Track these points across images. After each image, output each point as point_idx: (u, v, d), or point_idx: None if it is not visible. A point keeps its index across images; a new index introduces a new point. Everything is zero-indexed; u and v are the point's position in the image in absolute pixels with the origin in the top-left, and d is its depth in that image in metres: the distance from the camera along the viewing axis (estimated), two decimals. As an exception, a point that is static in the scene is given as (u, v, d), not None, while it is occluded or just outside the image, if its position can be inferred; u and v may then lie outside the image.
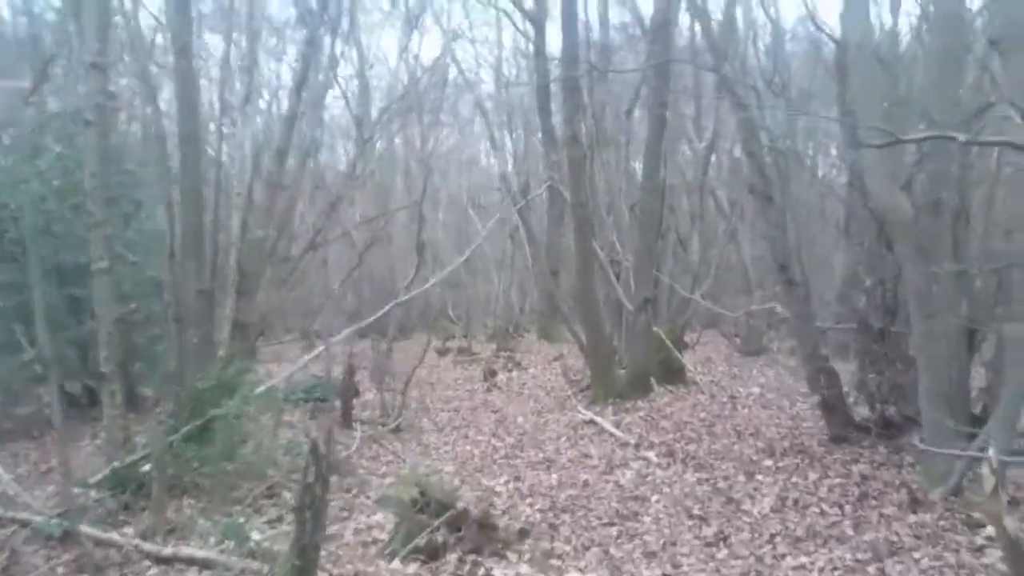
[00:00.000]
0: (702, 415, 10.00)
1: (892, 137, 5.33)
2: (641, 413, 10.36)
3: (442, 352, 19.68)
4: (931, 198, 6.20)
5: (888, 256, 7.35)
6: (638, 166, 15.21)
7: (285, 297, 18.48)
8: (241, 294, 13.92)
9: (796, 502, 6.41)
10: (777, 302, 10.88)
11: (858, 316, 7.80)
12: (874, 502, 6.20)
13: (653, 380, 11.22)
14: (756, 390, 11.36)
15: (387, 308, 9.86)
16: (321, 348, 10.48)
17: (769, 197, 7.67)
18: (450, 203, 28.24)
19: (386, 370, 14.26)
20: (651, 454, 8.32)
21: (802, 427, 8.92)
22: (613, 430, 9.55)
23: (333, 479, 7.48)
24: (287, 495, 6.93)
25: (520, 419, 10.92)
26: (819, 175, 11.24)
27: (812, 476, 7.02)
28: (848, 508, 6.13)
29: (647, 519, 6.46)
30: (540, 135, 15.58)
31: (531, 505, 6.95)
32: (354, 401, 12.13)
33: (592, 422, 10.20)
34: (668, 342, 11.44)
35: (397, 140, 25.09)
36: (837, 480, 6.83)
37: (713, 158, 13.25)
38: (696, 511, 6.49)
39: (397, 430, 9.87)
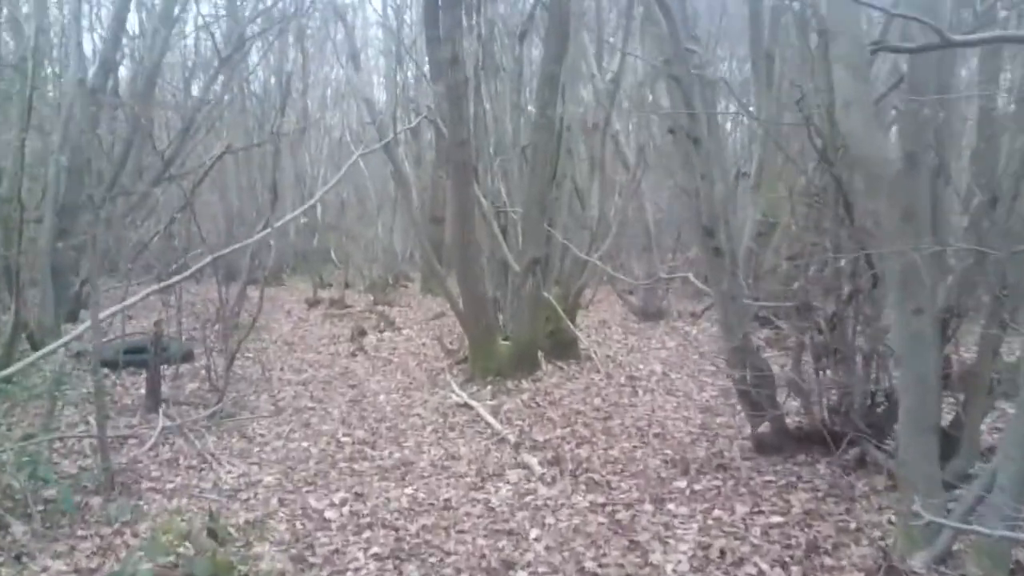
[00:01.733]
0: (597, 402, 8.19)
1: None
2: (525, 396, 8.49)
3: (312, 303, 17.40)
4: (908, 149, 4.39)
5: (846, 222, 5.60)
6: (533, 109, 13.21)
7: (130, 238, 15.84)
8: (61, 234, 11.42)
9: (723, 555, 4.61)
10: (688, 270, 9.13)
11: (797, 296, 6.06)
12: (828, 560, 4.47)
13: (541, 355, 9.36)
14: (658, 368, 9.64)
15: (219, 253, 7.57)
16: (143, 294, 8.06)
17: (696, 138, 5.76)
18: (338, 140, 25.56)
19: (230, 327, 12.00)
20: (534, 460, 6.44)
21: (717, 427, 7.20)
22: (490, 419, 7.65)
23: (96, 501, 5.37)
24: (19, 530, 4.74)
25: (382, 397, 8.90)
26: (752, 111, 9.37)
27: (740, 509, 5.25)
28: (795, 570, 4.39)
29: (522, 574, 4.58)
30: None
31: (367, 546, 4.97)
32: (184, 368, 9.92)
33: (467, 406, 8.29)
34: (560, 310, 9.56)
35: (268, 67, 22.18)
36: (775, 519, 5.07)
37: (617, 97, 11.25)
38: (589, 561, 4.65)
39: (219, 415, 7.67)
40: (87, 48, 15.25)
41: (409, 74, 20.50)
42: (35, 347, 10.39)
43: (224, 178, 21.92)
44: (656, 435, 6.99)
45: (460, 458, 6.70)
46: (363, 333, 13.02)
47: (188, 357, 10.25)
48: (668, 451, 6.55)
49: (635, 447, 6.69)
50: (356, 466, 6.53)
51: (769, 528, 4.97)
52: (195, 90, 16.75)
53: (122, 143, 15.29)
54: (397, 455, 6.81)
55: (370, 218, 21.62)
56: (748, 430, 6.59)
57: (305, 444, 7.05)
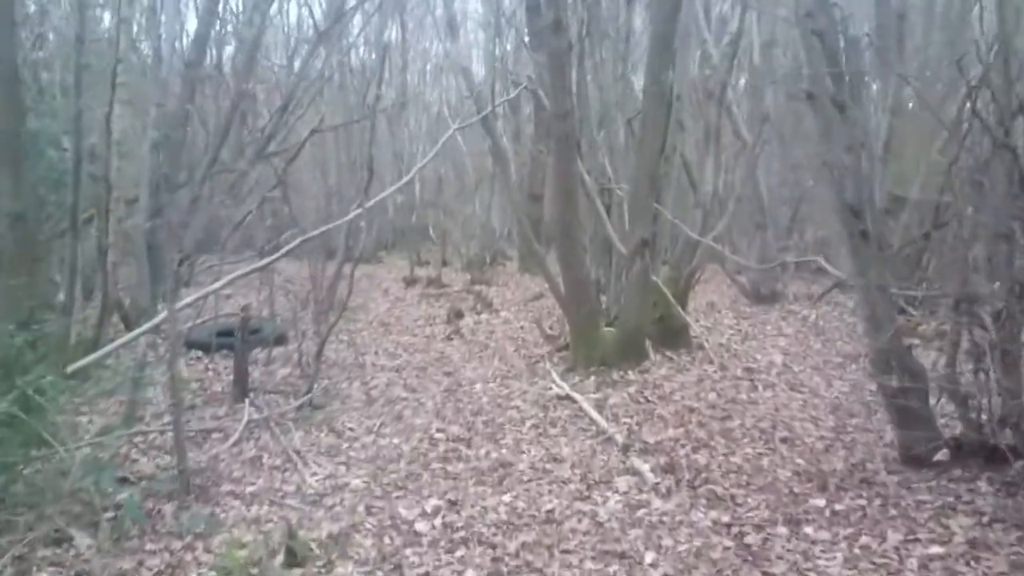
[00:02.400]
0: (712, 398, 7.41)
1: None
2: (632, 389, 7.77)
3: (410, 282, 17.04)
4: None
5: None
6: (638, 79, 12.31)
7: (228, 217, 15.75)
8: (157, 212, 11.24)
9: (879, 598, 3.85)
10: (810, 252, 8.21)
11: (963, 285, 5.14)
12: (1009, 609, 3.65)
13: (648, 344, 8.61)
14: (778, 359, 8.75)
15: (310, 234, 7.05)
16: (231, 277, 7.63)
17: (842, 104, 4.90)
18: (439, 115, 25.09)
19: (325, 307, 11.65)
20: (645, 467, 5.74)
21: (852, 430, 6.35)
22: (595, 415, 6.98)
23: (169, 508, 4.94)
24: (84, 542, 4.33)
25: (478, 387, 8.33)
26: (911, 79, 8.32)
27: (892, 536, 4.44)
28: (972, 623, 3.59)
29: (640, 611, 3.92)
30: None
31: (462, 568, 4.39)
32: (277, 352, 9.59)
33: (569, 398, 7.64)
34: (669, 295, 8.77)
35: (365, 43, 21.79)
36: (934, 549, 4.25)
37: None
38: (717, 598, 3.95)
39: (308, 406, 7.22)
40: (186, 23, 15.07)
41: (508, 45, 19.76)
42: (129, 329, 10.26)
43: (324, 155, 21.84)
44: (783, 440, 6.18)
45: (563, 460, 6.06)
46: (460, 315, 12.51)
47: (281, 340, 9.91)
48: (799, 460, 5.74)
49: (760, 453, 5.91)
50: (450, 467, 5.96)
51: (928, 561, 4.16)
52: (295, 66, 16.52)
53: (222, 120, 15.21)
54: (494, 455, 6.22)
55: (468, 195, 21.08)
56: (890, 435, 5.75)
57: (397, 440, 6.52)
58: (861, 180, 5.02)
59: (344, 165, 21.14)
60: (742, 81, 13.42)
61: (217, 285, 6.85)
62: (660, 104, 8.09)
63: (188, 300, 6.86)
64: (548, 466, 5.99)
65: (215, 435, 6.37)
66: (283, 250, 6.61)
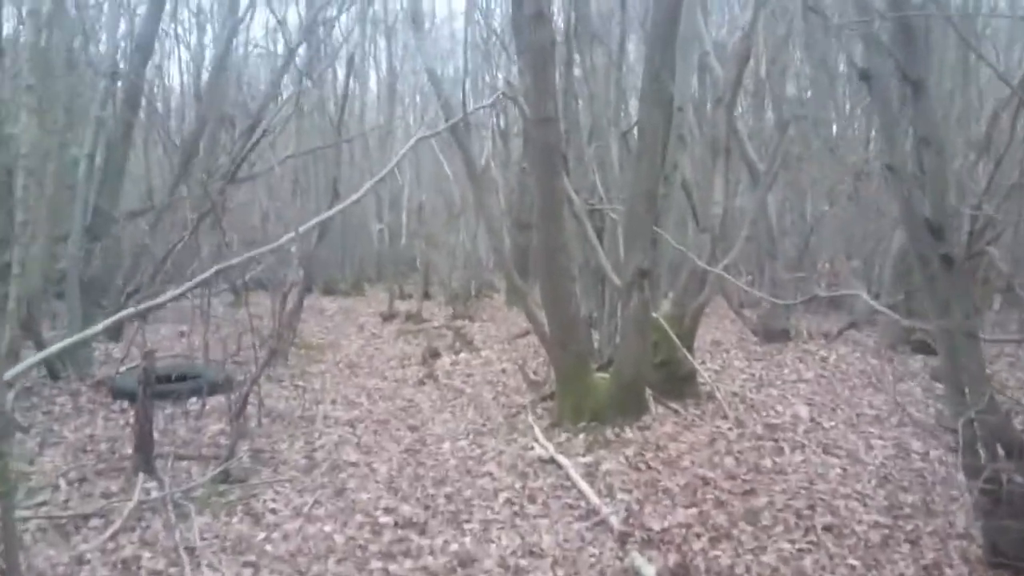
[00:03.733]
0: (729, 464, 5.95)
1: None
2: (630, 451, 6.31)
3: (387, 317, 15.59)
4: None
5: None
6: (633, 90, 10.98)
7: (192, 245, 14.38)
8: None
9: None
10: (835, 284, 6.84)
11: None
12: None
13: (649, 394, 7.17)
14: (803, 411, 7.30)
15: (223, 265, 5.55)
16: (122, 315, 6.08)
17: (917, 81, 3.52)
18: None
19: (279, 345, 10.21)
20: (651, 569, 4.29)
21: (910, 511, 4.91)
22: (584, 487, 5.54)
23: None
24: None
25: (446, 446, 6.87)
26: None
27: None
28: None
29: None
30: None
31: None
32: (211, 404, 8.10)
33: (553, 462, 6.19)
34: (672, 335, 7.34)
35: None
36: None
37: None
38: None
39: (225, 479, 5.71)
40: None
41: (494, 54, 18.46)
42: (52, 374, 8.80)
43: (306, 180, 20.55)
44: (827, 528, 4.72)
45: (543, 555, 4.62)
46: (435, 355, 11.08)
47: (224, 387, 8.42)
48: (853, 560, 4.29)
49: (800, 550, 4.45)
50: (394, 567, 4.49)
51: None
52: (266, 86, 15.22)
53: (185, 142, 13.88)
54: (454, 546, 4.75)
55: (453, 223, 19.69)
56: (963, 520, 4.33)
57: (330, 528, 5.02)
58: (941, 187, 3.62)
59: (324, 190, 19.80)
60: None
61: (108, 321, 5.36)
62: (660, 109, 6.73)
63: (95, 330, 5.32)
64: (523, 562, 4.54)
65: (94, 522, 4.88)
66: (193, 281, 5.18)
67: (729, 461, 6.03)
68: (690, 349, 7.70)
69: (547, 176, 6.83)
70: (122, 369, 8.87)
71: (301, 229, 5.52)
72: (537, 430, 6.95)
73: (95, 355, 9.82)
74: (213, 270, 5.11)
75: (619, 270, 7.61)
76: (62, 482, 5.43)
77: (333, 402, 8.57)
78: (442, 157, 19.49)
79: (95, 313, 10.06)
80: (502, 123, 22.21)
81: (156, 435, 6.77)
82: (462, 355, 11.22)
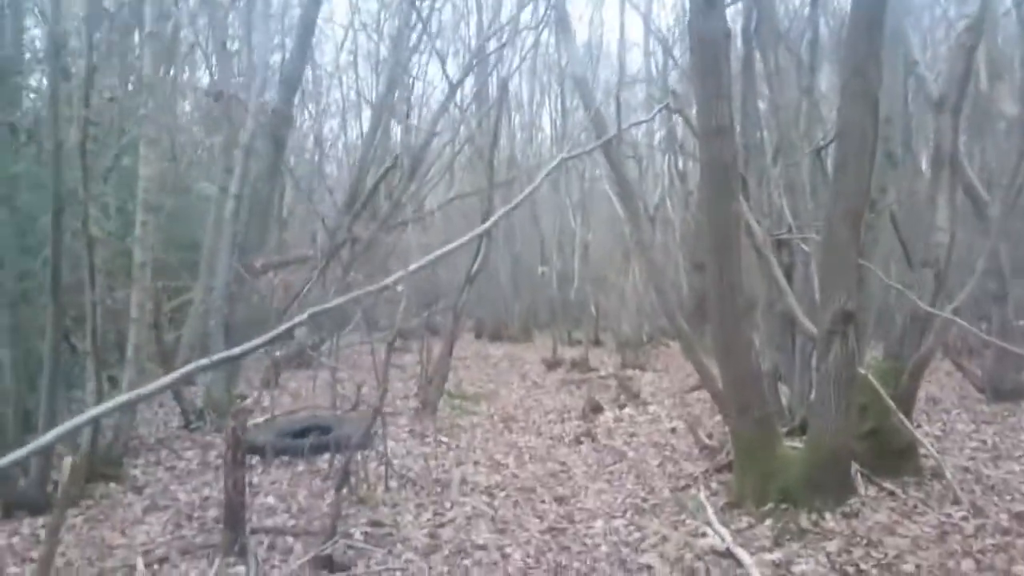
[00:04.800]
0: (968, 568, 4.36)
1: None
2: (833, 547, 4.82)
3: (551, 365, 14.57)
4: None
5: None
6: (828, 99, 9.38)
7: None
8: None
9: None
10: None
11: None
12: None
13: (856, 469, 5.63)
14: (1066, 499, 5.51)
15: (317, 308, 4.63)
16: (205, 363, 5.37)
17: None
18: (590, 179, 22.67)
19: (426, 396, 9.36)
20: None
21: None
22: (770, 601, 4.15)
23: None
24: None
25: (598, 525, 5.64)
26: None
27: None
28: None
29: None
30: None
31: None
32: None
33: (730, 555, 4.83)
34: (884, 395, 5.75)
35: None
36: None
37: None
38: None
39: (327, 564, 4.73)
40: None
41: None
42: (187, 423, 8.36)
43: (468, 224, 20.08)
44: None
45: None
46: (597, 409, 9.87)
47: (362, 443, 7.59)
48: None
49: None
50: None
51: None
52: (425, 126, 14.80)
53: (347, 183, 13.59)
54: None
55: (624, 264, 18.46)
56: None
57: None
58: None
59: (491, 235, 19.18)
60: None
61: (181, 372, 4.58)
62: (866, 110, 5.29)
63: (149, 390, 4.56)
64: None
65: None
66: (280, 328, 4.34)
67: (968, 565, 4.43)
68: (908, 414, 6.05)
69: (720, 199, 5.55)
70: (259, 420, 8.31)
71: (411, 268, 4.56)
72: (711, 511, 5.58)
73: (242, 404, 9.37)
74: (306, 314, 4.22)
75: (813, 314, 6.16)
76: (140, 562, 4.65)
77: (476, 463, 7.54)
78: (613, 195, 18.38)
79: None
80: (679, 163, 20.97)
81: (271, 500, 6.06)
82: (627, 410, 9.95)
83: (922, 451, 6.08)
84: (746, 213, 6.02)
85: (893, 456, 5.88)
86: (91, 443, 5.87)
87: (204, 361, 4.11)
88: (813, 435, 5.49)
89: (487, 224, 5.39)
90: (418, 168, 13.27)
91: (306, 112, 17.18)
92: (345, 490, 6.04)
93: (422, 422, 8.94)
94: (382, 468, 6.62)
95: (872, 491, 5.67)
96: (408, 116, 15.19)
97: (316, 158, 15.20)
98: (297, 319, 4.48)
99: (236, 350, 4.16)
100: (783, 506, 5.42)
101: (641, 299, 17.04)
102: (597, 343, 17.75)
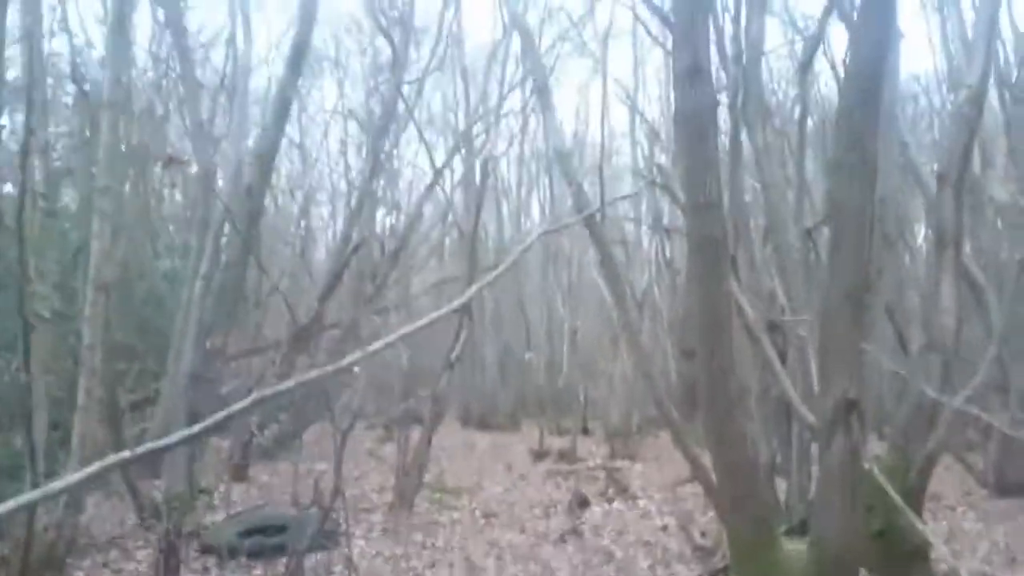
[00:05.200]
0: None
1: None
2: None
3: (538, 455, 13.97)
4: None
5: None
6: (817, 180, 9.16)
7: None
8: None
9: None
10: None
11: None
12: None
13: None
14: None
15: (265, 393, 4.20)
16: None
17: None
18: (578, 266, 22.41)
19: (403, 491, 8.76)
20: None
21: None
22: None
23: None
24: None
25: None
26: None
27: None
28: None
29: None
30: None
31: None
32: (312, 562, 6.66)
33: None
34: (894, 494, 5.27)
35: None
36: None
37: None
38: None
39: None
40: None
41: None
42: (143, 522, 7.75)
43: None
44: None
45: None
46: (584, 503, 9.32)
47: (326, 541, 6.99)
48: None
49: None
50: None
51: None
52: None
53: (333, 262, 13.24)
54: None
55: (612, 351, 18.01)
56: None
57: None
58: None
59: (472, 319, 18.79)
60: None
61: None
62: (862, 188, 4.96)
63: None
64: None
65: None
66: (222, 413, 3.89)
67: None
68: (918, 513, 5.55)
69: (710, 277, 5.17)
70: (217, 519, 7.72)
71: (371, 348, 4.14)
72: (704, 622, 5.04)
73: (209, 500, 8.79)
74: (250, 400, 3.78)
75: (810, 401, 5.75)
76: None
77: (451, 566, 6.94)
78: (600, 280, 18.09)
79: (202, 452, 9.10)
80: (667, 249, 20.78)
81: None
82: (615, 504, 9.40)
83: (933, 554, 5.57)
84: (737, 293, 5.64)
85: (902, 560, 5.37)
86: (25, 544, 5.29)
87: (125, 454, 3.65)
88: (816, 538, 4.97)
89: (461, 300, 4.99)
90: (402, 251, 12.95)
91: (292, 198, 16.98)
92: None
93: (397, 518, 8.35)
94: (348, 572, 6.04)
95: (883, 601, 5.14)
96: (391, 200, 14.99)
97: (299, 245, 14.87)
98: (241, 404, 4.04)
99: (161, 442, 3.70)
100: (785, 618, 4.89)
101: (631, 387, 16.56)
102: (585, 432, 17.15)
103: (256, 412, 5.78)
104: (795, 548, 5.42)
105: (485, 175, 10.17)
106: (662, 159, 16.19)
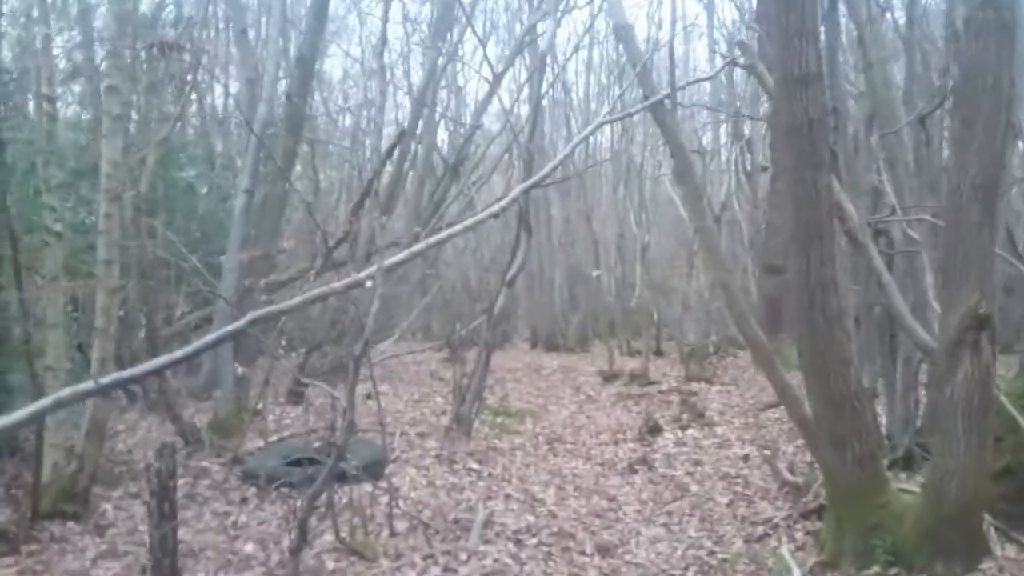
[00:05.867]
0: None
1: None
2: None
3: (608, 377, 13.26)
4: None
5: None
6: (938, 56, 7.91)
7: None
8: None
9: None
10: None
11: None
12: None
13: (990, 523, 4.28)
14: None
15: (261, 313, 3.58)
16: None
17: None
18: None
19: (461, 419, 8.16)
20: None
21: None
22: None
23: None
24: None
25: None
26: None
27: None
28: None
29: None
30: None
31: None
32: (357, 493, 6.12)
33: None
34: (1028, 425, 4.39)
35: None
36: None
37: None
38: None
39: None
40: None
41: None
42: (188, 446, 7.33)
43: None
44: None
45: None
46: (656, 430, 8.59)
47: (374, 470, 6.43)
48: None
49: None
50: None
51: None
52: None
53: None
54: None
55: (688, 269, 17.01)
56: None
57: None
58: None
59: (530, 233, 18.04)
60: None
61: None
62: (1000, 51, 3.96)
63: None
64: None
65: None
66: (211, 336, 3.24)
67: None
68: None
69: (806, 170, 4.27)
70: (260, 444, 7.26)
71: (386, 263, 3.44)
72: (798, 573, 4.29)
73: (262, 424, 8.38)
74: (245, 320, 3.13)
75: (922, 319, 4.85)
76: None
77: (508, 497, 6.33)
78: (674, 194, 17.00)
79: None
80: (747, 161, 19.46)
81: (250, 548, 4.97)
82: (690, 431, 8.63)
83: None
84: (837, 191, 4.71)
85: (1035, 503, 4.50)
86: (35, 474, 4.85)
87: (88, 384, 3.06)
88: (935, 478, 4.13)
89: (503, 202, 4.25)
90: (461, 166, 12.17)
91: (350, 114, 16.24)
92: (341, 536, 4.95)
93: (453, 444, 7.78)
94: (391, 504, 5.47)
95: (1011, 551, 4.31)
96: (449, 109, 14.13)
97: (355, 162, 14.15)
98: (234, 326, 3.41)
99: (136, 370, 3.10)
100: (893, 570, 4.11)
101: (706, 305, 15.62)
102: (659, 353, 16.33)
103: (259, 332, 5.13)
104: (904, 489, 4.62)
105: (542, 70, 9.20)
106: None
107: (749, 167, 19.08)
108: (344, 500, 5.44)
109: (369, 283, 3.74)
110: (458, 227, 3.82)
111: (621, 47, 8.60)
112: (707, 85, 15.66)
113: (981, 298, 3.90)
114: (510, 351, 19.85)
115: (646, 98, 4.84)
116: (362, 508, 5.34)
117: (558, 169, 12.42)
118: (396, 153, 13.19)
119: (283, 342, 8.13)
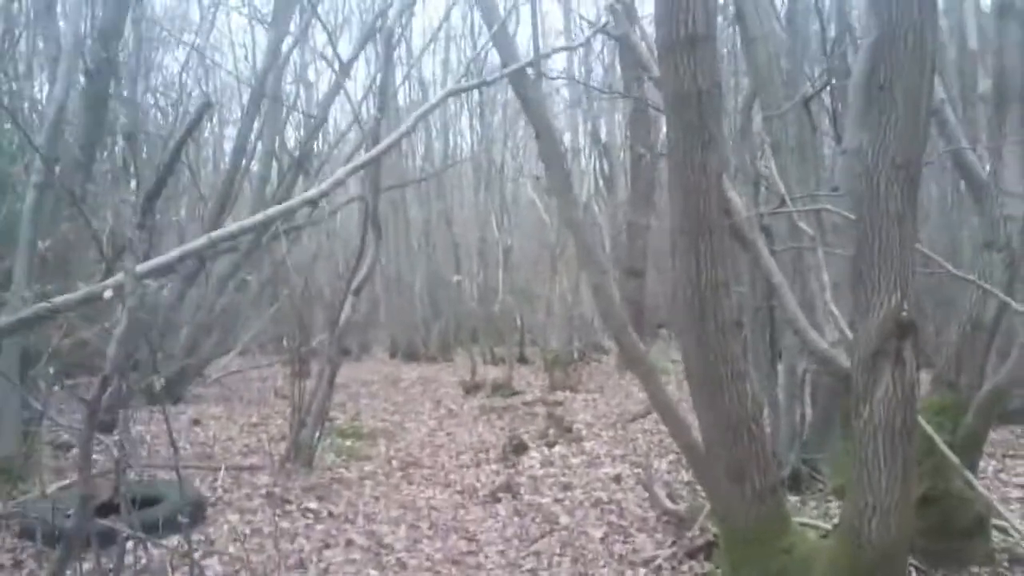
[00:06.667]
0: None
1: None
2: None
3: (469, 388, 12.39)
4: None
5: None
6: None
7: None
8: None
9: None
10: None
11: None
12: None
13: (913, 564, 3.62)
14: None
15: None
16: None
17: None
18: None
19: (299, 447, 7.03)
20: None
21: None
22: None
23: None
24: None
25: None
26: None
27: None
28: None
29: None
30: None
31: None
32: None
33: None
34: (945, 448, 3.76)
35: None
36: None
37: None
38: None
39: None
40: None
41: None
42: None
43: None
44: None
45: None
46: (521, 448, 7.78)
47: (195, 514, 5.23)
48: None
49: None
50: None
51: None
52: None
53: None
54: None
55: (550, 272, 16.37)
56: None
57: None
58: None
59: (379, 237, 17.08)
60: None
61: None
62: (923, 6, 3.30)
63: None
64: None
65: None
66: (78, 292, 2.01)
67: None
68: (974, 470, 4.06)
69: (694, 152, 3.49)
70: (49, 490, 5.91)
71: (215, 234, 2.42)
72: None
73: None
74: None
75: (818, 325, 4.20)
76: None
77: (349, 544, 5.28)
78: (536, 197, 16.38)
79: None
80: (606, 166, 19.14)
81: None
82: (557, 448, 7.85)
83: (994, 525, 4.10)
84: (723, 180, 3.97)
85: (955, 536, 3.89)
86: None
87: None
88: (851, 517, 3.42)
89: (323, 186, 3.28)
90: (305, 162, 10.99)
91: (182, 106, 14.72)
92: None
93: (289, 479, 6.66)
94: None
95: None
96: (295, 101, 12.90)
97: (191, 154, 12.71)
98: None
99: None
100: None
101: (570, 310, 15.03)
102: (523, 360, 15.64)
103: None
104: (806, 523, 3.93)
105: (389, 49, 8.19)
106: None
107: (607, 170, 18.80)
108: (143, 562, 4.27)
109: (108, 294, 2.66)
110: (258, 216, 2.87)
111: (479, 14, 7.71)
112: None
113: (903, 300, 3.22)
114: (367, 362, 18.71)
115: (504, 66, 3.97)
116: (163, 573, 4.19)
117: (417, 171, 11.42)
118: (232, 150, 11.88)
119: (51, 370, 6.73)
